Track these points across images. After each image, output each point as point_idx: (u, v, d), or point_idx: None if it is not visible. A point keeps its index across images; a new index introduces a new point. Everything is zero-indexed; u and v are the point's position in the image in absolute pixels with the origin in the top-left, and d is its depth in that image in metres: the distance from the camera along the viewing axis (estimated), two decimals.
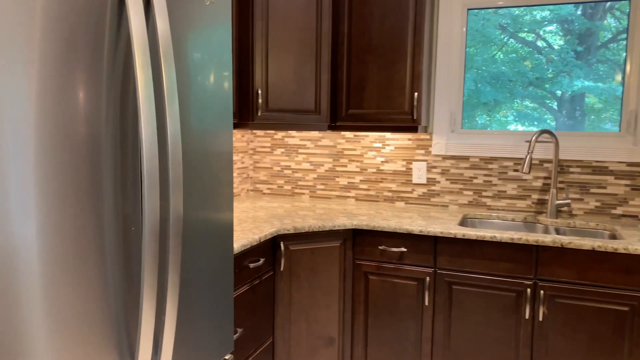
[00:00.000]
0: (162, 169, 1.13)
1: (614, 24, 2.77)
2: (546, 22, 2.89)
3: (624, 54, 2.69)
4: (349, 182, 3.20)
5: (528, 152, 2.59)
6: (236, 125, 2.64)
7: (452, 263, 2.38)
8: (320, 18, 2.72)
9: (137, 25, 0.98)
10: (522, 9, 2.88)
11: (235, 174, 3.22)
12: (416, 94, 2.65)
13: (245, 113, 2.64)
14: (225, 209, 1.46)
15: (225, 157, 1.45)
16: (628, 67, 2.66)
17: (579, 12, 2.82)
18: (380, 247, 2.49)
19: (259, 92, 2.61)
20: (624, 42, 2.69)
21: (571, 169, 2.75)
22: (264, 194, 3.39)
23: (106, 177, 1.01)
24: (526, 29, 2.93)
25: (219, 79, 1.40)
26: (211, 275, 1.40)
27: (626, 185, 2.67)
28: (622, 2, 2.70)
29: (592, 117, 2.84)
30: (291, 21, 2.66)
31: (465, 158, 2.94)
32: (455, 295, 2.38)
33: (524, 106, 2.97)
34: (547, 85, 2.90)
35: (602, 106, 2.80)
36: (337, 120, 2.84)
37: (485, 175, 2.92)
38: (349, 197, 3.20)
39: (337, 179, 3.22)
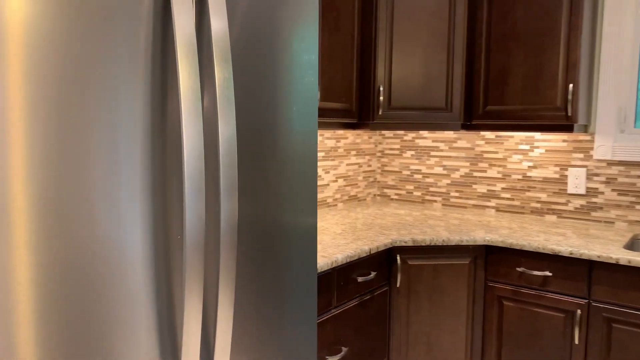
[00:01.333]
0: (214, 174, 0.98)
1: None
2: None
3: None
4: (488, 190, 2.80)
5: None
6: (355, 126, 2.44)
7: (613, 295, 1.89)
8: (454, 2, 2.40)
9: (181, 23, 0.86)
10: None
11: (360, 178, 3.03)
12: (571, 85, 2.19)
13: (365, 112, 2.43)
14: (307, 216, 1.27)
15: (308, 160, 1.26)
16: None
17: None
18: (518, 269, 2.09)
19: (381, 88, 2.39)
20: None
21: None
22: (392, 199, 3.14)
23: (168, 183, 0.91)
24: None
25: (301, 77, 1.22)
26: (285, 294, 1.22)
27: None
28: None
29: None
30: (419, 8, 2.39)
31: (639, 164, 2.37)
32: (616, 336, 1.89)
33: None
34: None
35: None
36: (473, 119, 2.48)
37: None
38: (488, 207, 2.81)
39: (474, 186, 2.85)
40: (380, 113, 2.40)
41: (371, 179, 3.12)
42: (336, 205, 2.87)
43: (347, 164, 2.92)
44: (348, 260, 1.83)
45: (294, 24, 1.19)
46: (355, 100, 2.39)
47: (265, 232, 1.14)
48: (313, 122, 1.25)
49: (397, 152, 3.09)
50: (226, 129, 0.94)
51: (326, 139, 2.75)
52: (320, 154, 2.72)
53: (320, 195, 2.75)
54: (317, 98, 1.27)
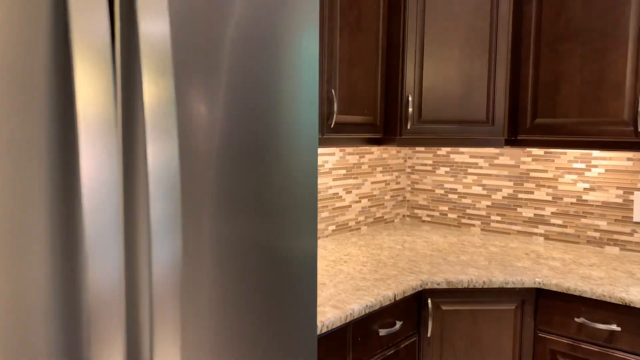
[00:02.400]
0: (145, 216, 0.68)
1: None
2: None
3: None
4: (535, 215, 2.42)
5: None
6: (380, 142, 2.11)
7: None
8: None
9: (83, 23, 0.56)
10: None
11: (388, 197, 2.69)
12: None
13: (392, 126, 2.10)
14: (306, 242, 0.96)
15: (307, 171, 0.96)
16: None
17: None
18: (577, 320, 1.72)
19: (410, 98, 2.05)
20: None
21: None
22: (423, 221, 2.79)
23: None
24: None
25: (299, 83, 0.92)
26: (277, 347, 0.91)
27: None
28: None
29: None
30: (456, 3, 2.04)
31: None
32: None
33: None
34: None
35: None
36: (519, 133, 2.12)
37: None
38: (535, 234, 2.43)
39: (519, 210, 2.47)
40: (409, 127, 2.06)
41: (400, 198, 2.78)
42: (359, 228, 2.54)
43: (372, 182, 2.59)
44: (368, 311, 1.50)
45: (291, 23, 0.89)
46: (380, 113, 2.06)
47: (257, 260, 0.84)
48: (313, 131, 0.95)
49: (429, 168, 2.74)
50: (159, 158, 0.64)
51: (348, 154, 2.42)
52: (341, 172, 2.40)
53: (341, 218, 2.43)
54: (317, 105, 0.97)
